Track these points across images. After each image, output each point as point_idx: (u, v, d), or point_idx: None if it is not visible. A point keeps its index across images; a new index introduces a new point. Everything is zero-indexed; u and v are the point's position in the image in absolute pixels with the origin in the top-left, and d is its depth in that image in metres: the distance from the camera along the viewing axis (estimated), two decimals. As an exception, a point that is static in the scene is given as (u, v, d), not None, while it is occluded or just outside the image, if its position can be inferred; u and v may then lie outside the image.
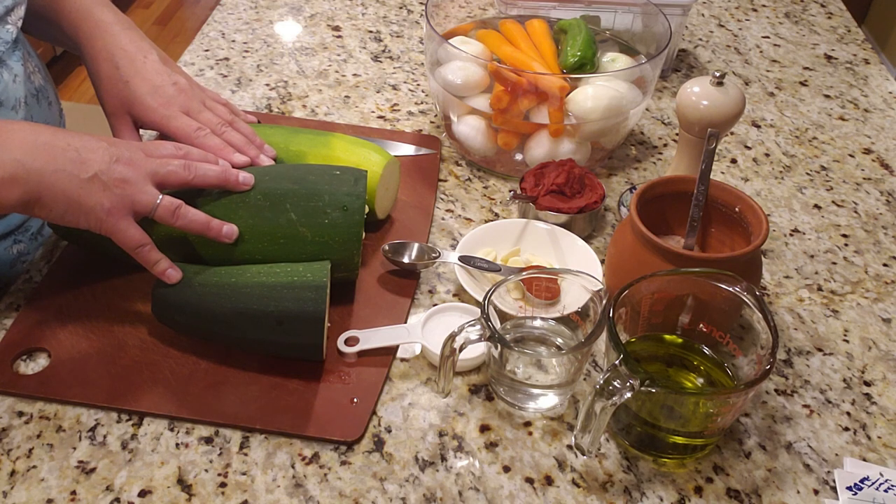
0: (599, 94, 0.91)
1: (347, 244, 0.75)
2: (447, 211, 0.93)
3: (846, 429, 0.72)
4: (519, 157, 0.96)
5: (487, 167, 0.98)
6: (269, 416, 0.69)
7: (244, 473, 0.66)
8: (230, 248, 0.75)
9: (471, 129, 0.96)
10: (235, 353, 0.74)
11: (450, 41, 0.97)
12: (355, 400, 0.71)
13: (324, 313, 0.70)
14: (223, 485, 0.65)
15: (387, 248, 0.83)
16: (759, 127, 1.09)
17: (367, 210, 0.79)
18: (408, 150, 1.00)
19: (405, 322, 0.78)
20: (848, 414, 0.73)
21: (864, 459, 0.69)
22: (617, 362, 0.61)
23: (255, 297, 0.70)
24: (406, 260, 0.83)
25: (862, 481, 0.67)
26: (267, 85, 1.12)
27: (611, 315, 0.65)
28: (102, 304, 0.78)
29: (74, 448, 0.67)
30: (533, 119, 0.94)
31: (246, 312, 0.70)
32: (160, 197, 0.70)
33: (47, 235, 0.90)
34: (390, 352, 0.75)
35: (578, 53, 0.97)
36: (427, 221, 0.90)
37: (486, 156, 0.98)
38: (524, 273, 0.76)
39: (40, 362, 0.73)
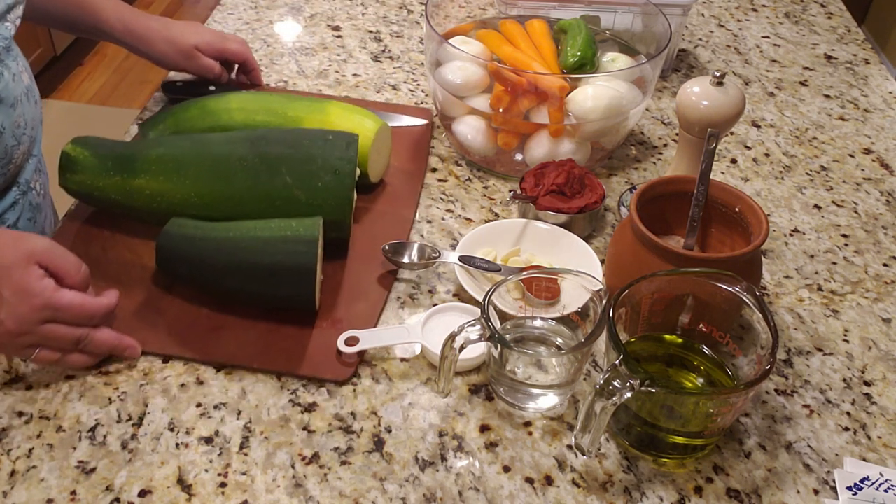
0: (599, 94, 0.91)
1: (340, 206, 0.80)
2: (447, 211, 0.93)
3: (846, 429, 0.72)
4: (519, 157, 0.96)
5: (487, 167, 0.98)
6: (266, 357, 0.73)
7: (244, 473, 0.66)
8: (231, 209, 0.79)
9: (471, 129, 0.96)
10: (235, 303, 0.78)
11: (450, 41, 0.97)
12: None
13: (314, 266, 0.73)
14: (223, 485, 0.65)
15: (387, 247, 0.83)
16: (759, 127, 1.09)
17: (359, 173, 0.84)
18: (401, 120, 1.04)
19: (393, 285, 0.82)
20: (848, 414, 0.73)
21: (864, 459, 0.69)
22: (617, 362, 0.61)
23: (250, 251, 0.74)
24: (406, 260, 0.83)
25: (862, 481, 0.67)
26: (267, 85, 1.12)
27: (611, 315, 0.65)
28: (111, 257, 0.83)
29: (74, 448, 0.67)
30: (533, 119, 0.94)
31: (241, 264, 0.74)
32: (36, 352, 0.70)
33: (23, 228, 0.91)
34: (382, 300, 0.80)
35: (578, 53, 0.97)
36: (418, 186, 0.95)
37: (486, 156, 0.98)
38: (524, 273, 0.76)
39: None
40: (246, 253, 0.74)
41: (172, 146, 0.83)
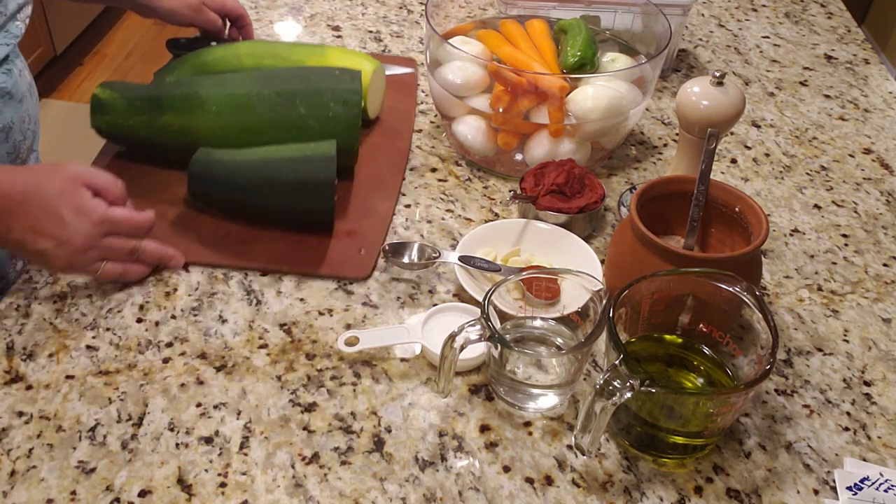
0: (599, 94, 0.91)
1: (348, 133, 0.90)
2: (447, 211, 0.93)
3: (846, 429, 0.72)
4: (519, 157, 0.96)
5: (487, 167, 0.98)
6: (293, 262, 0.84)
7: (244, 473, 0.66)
8: (250, 140, 0.88)
9: (471, 129, 0.96)
10: (262, 220, 0.87)
11: (450, 41, 0.97)
12: (362, 251, 0.86)
13: (334, 180, 0.83)
14: (223, 485, 0.65)
15: (387, 247, 0.83)
16: (759, 127, 1.09)
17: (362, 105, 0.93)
18: (390, 69, 1.13)
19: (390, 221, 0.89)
20: (848, 414, 0.73)
21: (864, 459, 0.69)
22: (617, 362, 0.61)
23: (276, 169, 0.84)
24: (406, 260, 0.83)
25: (862, 481, 0.67)
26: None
27: (611, 315, 0.65)
28: (141, 188, 0.90)
29: (74, 448, 0.67)
30: (533, 119, 0.94)
31: (269, 182, 0.84)
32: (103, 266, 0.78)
33: None
34: (388, 217, 0.89)
35: (578, 53, 0.97)
36: (410, 123, 1.05)
37: (486, 156, 0.97)
38: (524, 273, 0.76)
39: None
40: (272, 171, 0.84)
41: (195, 85, 0.92)
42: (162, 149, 0.92)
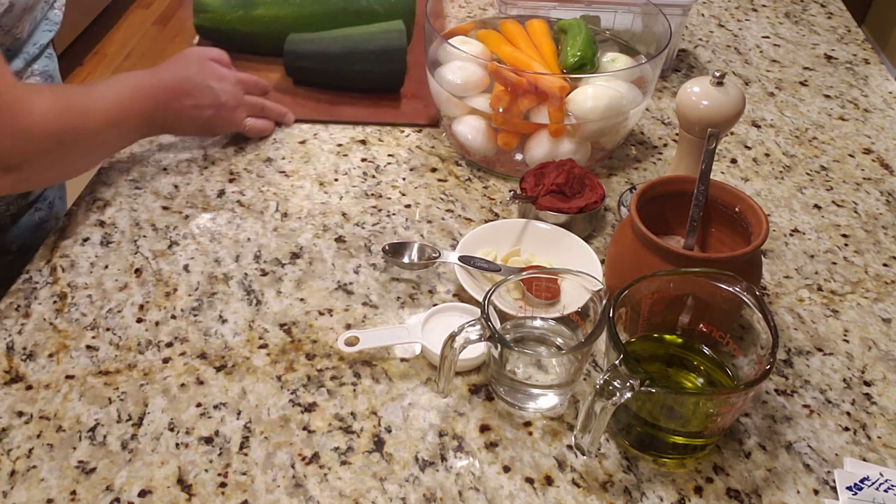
0: (599, 93, 0.91)
1: (407, 13, 1.10)
2: (447, 211, 0.93)
3: (846, 429, 0.72)
4: (519, 157, 0.96)
5: (487, 167, 0.98)
6: (375, 116, 1.06)
7: (244, 473, 0.66)
8: (329, 25, 1.08)
9: (471, 129, 0.96)
10: (345, 87, 1.08)
11: (449, 41, 0.97)
12: (426, 106, 1.07)
13: (405, 45, 1.04)
14: (223, 485, 0.65)
15: (387, 248, 0.84)
16: (759, 127, 1.09)
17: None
18: None
19: None
20: (848, 414, 0.73)
21: (864, 459, 0.69)
22: (617, 362, 0.61)
23: (359, 40, 1.05)
24: (406, 260, 0.83)
25: (862, 481, 0.67)
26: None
27: (611, 315, 0.65)
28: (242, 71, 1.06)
29: (74, 448, 0.67)
30: (533, 119, 0.94)
31: (353, 51, 1.04)
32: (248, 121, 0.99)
33: (59, 208, 1.06)
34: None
35: (578, 53, 0.97)
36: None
37: (486, 156, 0.98)
38: (524, 273, 0.76)
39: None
40: (356, 42, 1.04)
41: None
42: (255, 39, 1.11)
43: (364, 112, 1.06)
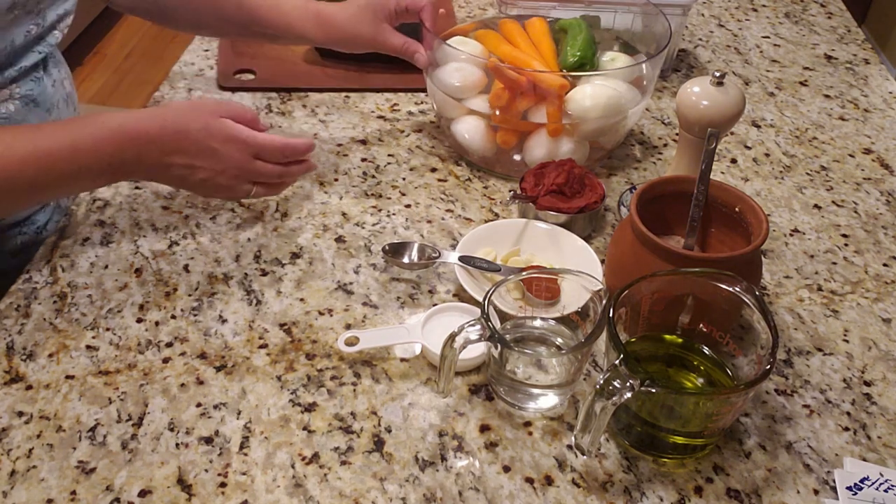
0: (598, 92, 0.91)
1: None
2: (447, 211, 0.93)
3: (846, 429, 0.72)
4: (518, 157, 0.96)
5: (487, 167, 0.98)
6: (402, 83, 1.12)
7: (244, 473, 0.66)
8: None
9: (469, 129, 0.96)
10: (371, 62, 1.11)
11: (448, 42, 0.97)
12: None
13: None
14: (223, 485, 0.65)
15: (387, 247, 0.84)
16: (759, 127, 1.09)
17: None
18: None
19: None
20: (848, 414, 0.73)
21: (864, 459, 0.69)
22: (617, 362, 0.61)
23: None
24: (406, 260, 0.83)
25: (862, 481, 0.67)
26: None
27: (611, 315, 0.65)
28: (269, 49, 1.18)
29: (74, 448, 0.67)
30: (531, 119, 0.94)
31: None
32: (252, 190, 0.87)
33: (51, 231, 0.92)
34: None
35: (578, 53, 0.97)
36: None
37: (485, 156, 0.97)
38: (524, 273, 0.76)
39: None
40: None
41: None
42: None
43: (392, 79, 1.11)
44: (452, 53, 0.95)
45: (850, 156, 1.05)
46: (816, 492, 0.67)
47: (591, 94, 0.91)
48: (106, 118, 0.76)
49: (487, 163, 0.98)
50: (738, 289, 0.67)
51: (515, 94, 0.92)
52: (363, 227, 0.90)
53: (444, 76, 0.95)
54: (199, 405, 0.71)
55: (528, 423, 0.71)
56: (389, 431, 0.70)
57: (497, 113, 0.94)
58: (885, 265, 0.89)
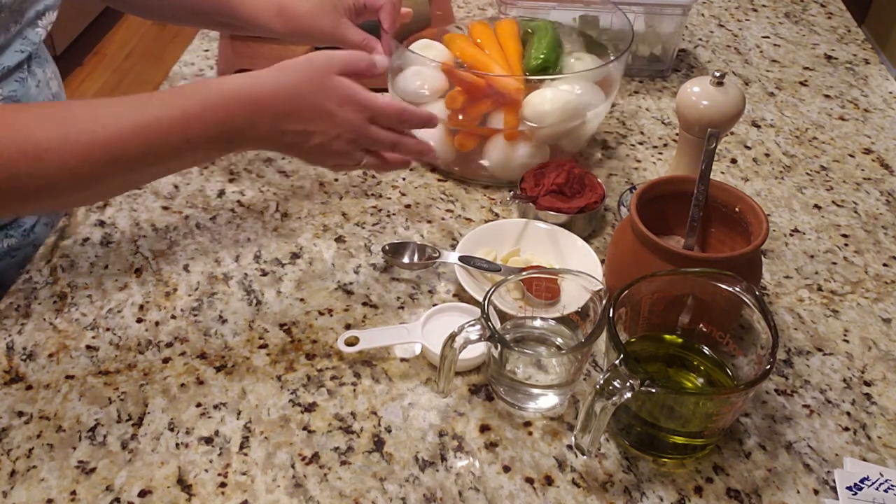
0: (556, 97, 0.90)
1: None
2: (447, 211, 0.93)
3: (846, 429, 0.72)
4: (485, 162, 0.95)
5: (449, 172, 0.97)
6: None
7: (244, 473, 0.66)
8: None
9: (429, 135, 0.91)
10: None
11: (410, 46, 0.95)
12: None
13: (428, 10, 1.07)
14: (223, 485, 0.65)
15: (387, 248, 0.84)
16: (759, 127, 1.09)
17: None
18: None
19: None
20: (848, 414, 0.73)
21: (864, 459, 0.69)
22: (617, 362, 0.61)
23: None
24: (406, 260, 0.83)
25: (862, 481, 0.67)
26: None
27: (611, 315, 0.65)
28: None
29: (74, 448, 0.67)
30: (491, 123, 0.92)
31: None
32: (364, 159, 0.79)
33: (39, 234, 0.92)
34: None
35: (542, 56, 0.96)
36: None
37: (446, 160, 0.96)
38: (524, 273, 0.76)
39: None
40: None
41: None
42: None
43: None
44: (412, 57, 0.94)
45: (850, 156, 1.05)
46: (816, 492, 0.67)
47: (549, 99, 0.90)
48: (218, 83, 0.71)
49: (450, 167, 0.97)
50: (738, 289, 0.67)
51: (474, 98, 0.91)
52: (363, 227, 0.90)
53: (404, 81, 0.95)
54: (199, 405, 0.71)
55: (528, 423, 0.71)
56: (389, 431, 0.70)
57: (454, 116, 0.92)
58: (885, 265, 0.89)
